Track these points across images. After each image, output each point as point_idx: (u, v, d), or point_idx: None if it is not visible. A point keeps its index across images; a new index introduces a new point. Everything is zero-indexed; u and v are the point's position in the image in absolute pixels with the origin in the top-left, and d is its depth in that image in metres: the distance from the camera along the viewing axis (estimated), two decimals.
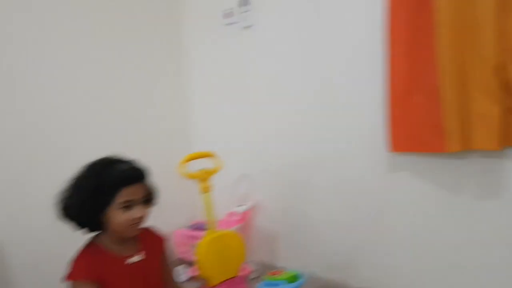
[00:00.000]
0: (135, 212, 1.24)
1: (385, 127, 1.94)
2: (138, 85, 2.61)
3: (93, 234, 1.32)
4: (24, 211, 2.02)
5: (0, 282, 1.94)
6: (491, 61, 1.59)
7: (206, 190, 2.03)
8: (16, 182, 2.01)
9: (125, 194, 1.21)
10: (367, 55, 2.00)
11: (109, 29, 2.44)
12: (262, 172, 2.57)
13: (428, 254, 1.94)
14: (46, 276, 2.00)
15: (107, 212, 1.22)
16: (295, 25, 2.27)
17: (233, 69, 2.62)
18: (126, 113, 2.53)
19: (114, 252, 1.28)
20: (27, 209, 2.02)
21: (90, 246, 1.29)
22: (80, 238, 1.30)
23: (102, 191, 1.20)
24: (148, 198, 1.31)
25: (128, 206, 1.23)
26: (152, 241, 1.41)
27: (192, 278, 2.58)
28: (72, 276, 1.22)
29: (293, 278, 1.71)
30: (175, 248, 2.68)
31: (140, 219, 1.27)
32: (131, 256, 1.30)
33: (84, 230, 1.28)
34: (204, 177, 2.02)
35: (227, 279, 1.98)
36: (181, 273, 2.52)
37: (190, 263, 2.65)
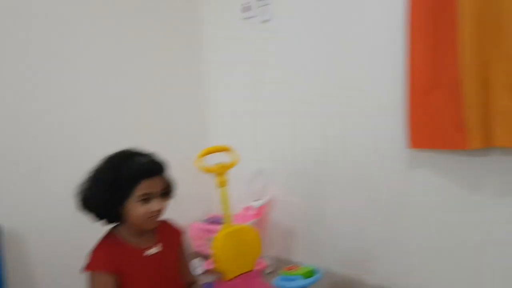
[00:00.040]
0: (153, 205, 1.25)
1: (405, 122, 1.92)
2: (157, 79, 2.63)
3: (111, 225, 1.33)
4: (43, 203, 2.05)
5: (20, 273, 1.98)
6: None
7: (222, 184, 2.03)
8: (36, 174, 2.04)
9: (144, 187, 1.22)
10: (387, 49, 1.98)
11: (129, 23, 2.46)
12: (279, 166, 2.56)
13: (446, 252, 1.92)
14: (65, 266, 2.04)
15: (126, 205, 1.24)
16: (313, 18, 2.25)
17: (251, 63, 2.61)
18: (145, 106, 2.56)
19: (132, 243, 1.30)
20: (47, 200, 2.06)
21: (108, 238, 1.31)
22: (99, 229, 1.31)
23: (121, 183, 1.21)
24: (166, 191, 1.32)
25: (146, 199, 1.24)
26: (169, 234, 1.42)
27: (207, 271, 2.60)
28: (91, 266, 1.24)
29: (309, 273, 1.70)
30: (191, 241, 2.70)
31: (158, 212, 1.27)
32: (149, 248, 1.32)
33: (103, 221, 1.29)
34: (220, 171, 2.02)
35: (242, 273, 1.98)
36: (197, 266, 2.54)
37: (205, 257, 2.67)
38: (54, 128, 2.11)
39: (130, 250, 1.28)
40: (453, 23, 1.69)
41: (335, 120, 2.23)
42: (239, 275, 1.98)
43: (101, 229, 1.32)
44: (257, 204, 2.51)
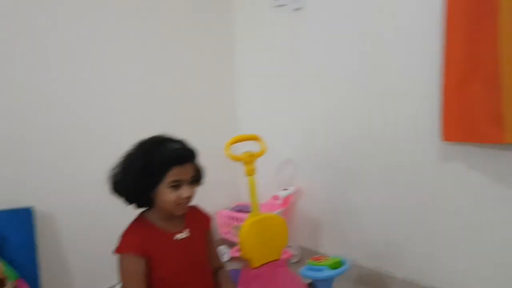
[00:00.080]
0: (184, 192, 1.26)
1: (439, 114, 1.87)
2: (188, 67, 2.64)
3: (141, 209, 1.35)
4: (76, 185, 2.10)
5: (53, 255, 2.04)
6: None
7: (250, 173, 2.03)
8: (70, 157, 2.08)
9: (175, 173, 1.23)
10: (422, 39, 1.92)
11: (161, 12, 2.47)
12: (307, 156, 2.55)
13: (478, 249, 1.87)
14: (95, 247, 2.10)
15: (156, 190, 1.25)
16: (347, 7, 2.21)
17: (282, 52, 2.59)
18: (176, 94, 2.58)
19: (162, 228, 1.31)
20: (80, 183, 2.11)
21: (139, 221, 1.33)
22: (130, 212, 1.33)
23: (153, 169, 1.22)
24: (196, 178, 1.33)
25: (177, 185, 1.25)
26: (198, 219, 1.43)
27: (233, 259, 2.62)
28: (121, 249, 1.26)
29: (336, 264, 1.69)
30: (217, 228, 2.72)
31: (188, 198, 1.28)
32: (178, 232, 1.33)
33: (133, 205, 1.31)
34: (249, 159, 2.02)
35: (269, 262, 1.99)
36: (223, 253, 2.57)
37: (231, 244, 2.69)
38: (88, 111, 2.15)
39: (160, 234, 1.30)
40: (493, 12, 1.63)
41: (366, 111, 2.19)
42: (265, 264, 1.98)
43: (132, 212, 1.34)
44: (284, 193, 2.51)
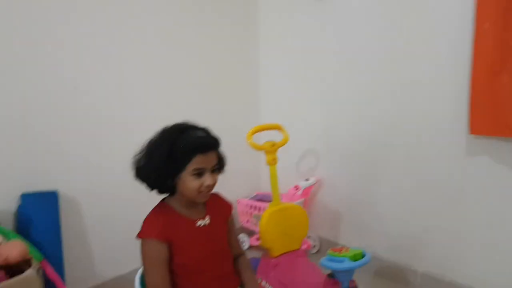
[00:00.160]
0: (206, 179, 1.25)
1: (467, 107, 1.82)
2: (213, 57, 2.65)
3: (163, 195, 1.36)
4: (100, 170, 2.14)
5: (77, 237, 2.09)
6: None
7: (272, 162, 2.02)
8: (95, 143, 2.12)
9: (199, 161, 1.23)
10: (451, 28, 1.88)
11: (186, 3, 2.48)
12: (329, 147, 2.53)
13: (502, 245, 1.84)
14: (118, 232, 2.14)
15: (179, 177, 1.25)
16: None
17: (305, 42, 2.57)
18: (201, 83, 2.59)
19: (183, 214, 1.32)
20: (104, 168, 2.14)
21: (161, 207, 1.34)
22: (153, 198, 1.34)
23: (176, 156, 1.22)
24: (218, 166, 1.33)
25: (199, 173, 1.25)
26: (220, 207, 1.43)
27: (252, 247, 2.64)
28: (143, 234, 1.27)
29: (357, 256, 1.68)
30: (238, 217, 2.74)
31: (210, 186, 1.28)
32: (200, 219, 1.33)
33: (155, 191, 1.32)
34: (271, 149, 2.01)
35: (288, 252, 1.99)
36: (243, 242, 2.58)
37: (251, 232, 2.70)
38: (114, 99, 2.18)
39: (182, 220, 1.31)
40: None
41: (391, 103, 2.16)
42: (284, 253, 1.99)
43: (155, 198, 1.35)
44: (305, 184, 2.50)
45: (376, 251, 2.29)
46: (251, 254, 2.04)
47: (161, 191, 1.33)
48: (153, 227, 1.27)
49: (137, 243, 1.27)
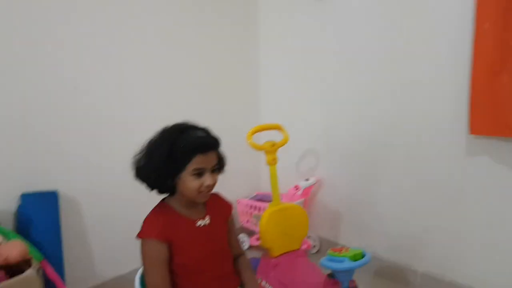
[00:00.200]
0: (206, 180, 1.25)
1: (467, 107, 1.82)
2: (213, 57, 2.65)
3: (163, 195, 1.36)
4: (100, 171, 2.13)
5: (77, 237, 2.09)
6: None
7: (272, 162, 2.02)
8: (94, 144, 2.12)
9: (199, 161, 1.23)
10: (450, 28, 1.87)
11: (186, 3, 2.48)
12: (329, 147, 2.53)
13: (503, 245, 1.83)
14: (118, 232, 2.14)
15: (179, 177, 1.25)
16: None
17: (305, 42, 2.57)
18: (200, 82, 2.59)
19: (183, 214, 1.32)
20: (104, 168, 2.14)
21: (161, 207, 1.34)
22: (153, 198, 1.34)
23: (176, 156, 1.22)
24: (218, 167, 1.33)
25: (199, 173, 1.25)
26: (220, 207, 1.43)
27: (252, 247, 2.64)
28: (144, 234, 1.27)
29: (357, 256, 1.68)
30: (237, 217, 2.74)
31: (210, 186, 1.28)
32: (200, 219, 1.33)
33: (155, 191, 1.32)
34: (271, 149, 2.01)
35: (288, 252, 1.99)
36: (243, 242, 2.58)
37: (250, 232, 2.70)
38: (113, 99, 2.17)
39: (182, 220, 1.30)
40: None
41: (391, 102, 2.16)
42: (284, 253, 1.98)
43: (154, 198, 1.35)
44: (305, 184, 2.50)
45: (376, 251, 2.29)
46: (251, 254, 2.04)
47: (161, 191, 1.33)
48: (153, 227, 1.26)
49: (137, 243, 1.27)
